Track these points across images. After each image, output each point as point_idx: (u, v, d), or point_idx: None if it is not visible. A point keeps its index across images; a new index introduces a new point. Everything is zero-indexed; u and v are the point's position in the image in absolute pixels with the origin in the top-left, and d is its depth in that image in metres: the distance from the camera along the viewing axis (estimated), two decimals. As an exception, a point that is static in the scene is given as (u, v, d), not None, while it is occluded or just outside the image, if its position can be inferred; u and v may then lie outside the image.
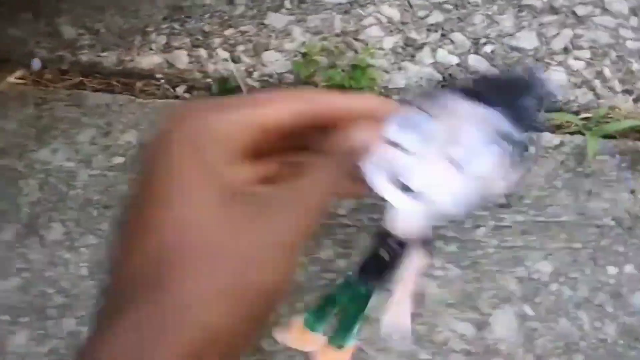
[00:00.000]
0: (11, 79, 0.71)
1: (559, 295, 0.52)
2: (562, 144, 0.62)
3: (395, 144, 0.40)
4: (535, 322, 0.51)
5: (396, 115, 0.40)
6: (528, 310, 0.52)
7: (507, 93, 0.42)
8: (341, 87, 0.62)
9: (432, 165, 0.41)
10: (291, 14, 0.74)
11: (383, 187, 0.41)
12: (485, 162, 0.41)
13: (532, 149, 0.43)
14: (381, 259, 0.46)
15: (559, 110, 0.66)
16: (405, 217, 0.43)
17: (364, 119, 0.38)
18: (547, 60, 0.70)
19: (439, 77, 0.68)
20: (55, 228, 0.58)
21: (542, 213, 0.57)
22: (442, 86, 0.42)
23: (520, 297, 0.52)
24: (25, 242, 0.57)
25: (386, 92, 0.67)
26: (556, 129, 0.65)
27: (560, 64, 0.69)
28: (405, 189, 0.41)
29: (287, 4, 0.75)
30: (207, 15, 0.74)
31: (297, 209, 0.32)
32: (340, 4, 0.75)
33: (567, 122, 0.64)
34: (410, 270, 0.46)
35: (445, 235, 0.55)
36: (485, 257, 0.54)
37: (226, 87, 0.68)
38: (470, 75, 0.42)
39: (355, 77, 0.62)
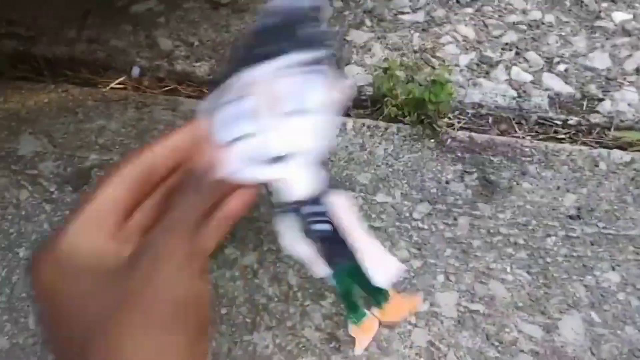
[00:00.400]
0: (113, 84, 0.78)
1: (626, 304, 0.55)
2: (632, 161, 0.64)
3: (234, 140, 0.42)
4: (602, 328, 0.54)
5: (216, 120, 0.42)
6: (595, 316, 0.54)
7: (281, 34, 0.42)
8: (421, 100, 0.66)
9: (276, 128, 0.42)
10: (372, 31, 0.78)
11: (257, 174, 0.42)
12: (311, 94, 0.43)
13: (338, 51, 0.43)
14: (324, 234, 0.46)
15: (631, 129, 0.68)
16: (295, 181, 0.43)
17: (194, 146, 0.41)
18: (619, 80, 0.72)
19: (514, 93, 0.71)
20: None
21: (611, 226, 0.59)
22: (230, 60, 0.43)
23: (588, 304, 0.55)
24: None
25: (462, 106, 0.71)
26: (627, 146, 0.67)
27: (632, 84, 0.71)
28: (273, 161, 0.42)
29: (368, 22, 0.79)
30: (294, 31, 0.79)
31: (166, 239, 0.35)
32: (418, 22, 0.79)
33: (638, 140, 0.66)
34: (344, 218, 0.46)
35: (516, 243, 0.58)
36: (555, 264, 0.57)
37: (311, 98, 0.73)
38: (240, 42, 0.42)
39: (435, 92, 0.65)
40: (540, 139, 0.68)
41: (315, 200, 0.45)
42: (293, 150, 0.43)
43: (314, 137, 0.44)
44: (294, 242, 0.46)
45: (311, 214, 0.46)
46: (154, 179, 0.40)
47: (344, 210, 0.47)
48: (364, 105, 0.73)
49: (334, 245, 0.47)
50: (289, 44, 0.42)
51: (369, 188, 0.63)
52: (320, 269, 0.47)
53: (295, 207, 0.45)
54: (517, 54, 0.76)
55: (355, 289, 0.50)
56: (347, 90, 0.44)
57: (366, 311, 0.50)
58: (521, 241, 0.59)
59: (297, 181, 0.44)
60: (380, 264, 0.49)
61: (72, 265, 0.35)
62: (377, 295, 0.51)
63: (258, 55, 0.42)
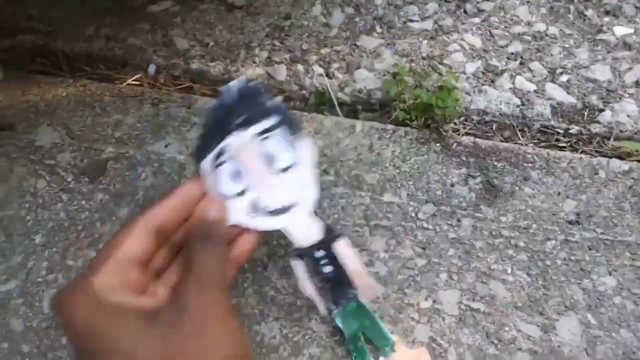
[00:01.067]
0: (130, 80, 0.80)
1: (622, 307, 0.57)
2: (630, 170, 0.66)
3: (235, 195, 0.50)
4: (597, 330, 0.56)
5: (216, 180, 0.49)
6: (591, 318, 0.56)
7: (235, 108, 0.51)
8: (428, 106, 0.68)
9: (267, 185, 0.51)
10: (381, 38, 0.81)
11: (262, 224, 0.50)
12: (292, 152, 0.51)
13: (287, 111, 0.51)
14: (329, 275, 0.52)
15: (629, 139, 0.70)
16: (298, 230, 0.51)
17: (198, 200, 0.47)
18: (619, 92, 0.74)
19: (517, 101, 0.74)
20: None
21: (608, 232, 0.61)
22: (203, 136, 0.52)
23: (585, 306, 0.57)
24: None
25: (467, 113, 0.73)
26: (626, 156, 0.69)
27: (631, 96, 0.74)
28: (272, 212, 0.51)
29: (378, 29, 0.82)
30: (305, 35, 0.82)
31: (203, 296, 0.38)
32: (426, 30, 0.81)
33: (637, 150, 0.69)
34: (347, 258, 0.52)
35: (517, 245, 0.61)
36: (554, 267, 0.59)
37: (321, 100, 0.75)
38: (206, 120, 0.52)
39: (442, 97, 0.68)
40: (542, 147, 0.71)
41: (319, 246, 0.52)
42: (292, 202, 0.51)
43: (308, 188, 0.52)
44: (303, 282, 0.52)
45: (317, 257, 0.52)
46: (167, 232, 0.45)
47: (346, 254, 0.52)
48: (373, 108, 0.75)
49: (338, 286, 0.52)
50: (254, 114, 0.51)
51: (376, 188, 0.65)
52: (323, 307, 0.52)
53: (302, 252, 0.52)
54: (521, 63, 0.78)
55: (360, 333, 0.53)
56: (313, 147, 0.52)
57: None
58: (522, 244, 0.61)
59: (300, 229, 0.51)
60: (369, 293, 0.54)
61: (111, 306, 0.37)
62: (382, 344, 0.54)
63: (231, 125, 0.50)
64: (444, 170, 0.67)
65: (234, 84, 0.51)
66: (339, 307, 0.52)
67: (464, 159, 0.68)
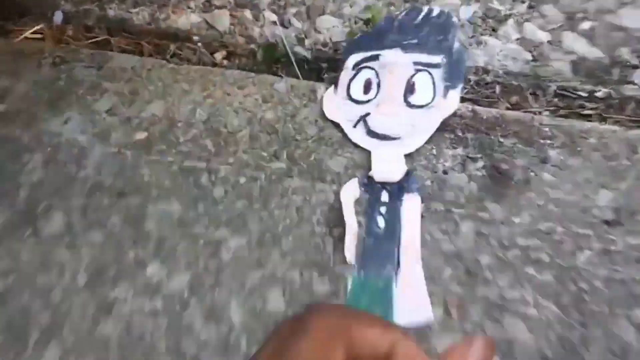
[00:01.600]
0: (28, 33, 0.64)
1: (691, 350, 0.40)
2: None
3: (353, 99, 0.52)
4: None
5: (351, 78, 0.54)
6: (649, 368, 0.40)
7: (412, 29, 0.54)
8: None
9: (389, 109, 0.50)
10: (351, -26, 0.63)
11: (353, 134, 0.50)
12: (427, 95, 0.51)
13: (462, 61, 0.51)
14: (378, 231, 0.44)
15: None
16: (385, 161, 0.48)
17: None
18: (655, 42, 0.59)
19: (527, 56, 0.57)
20: (55, 218, 0.50)
21: (663, 237, 0.45)
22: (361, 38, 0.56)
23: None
24: (17, 235, 0.48)
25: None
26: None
27: (672, 48, 0.58)
28: (372, 133, 0.50)
29: (347, -38, 0.64)
30: (255, -29, 0.65)
31: None
32: (409, -38, 0.64)
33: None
34: (410, 219, 0.44)
35: (538, 260, 0.43)
36: (591, 292, 0.42)
37: (274, 56, 0.61)
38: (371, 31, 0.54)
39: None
40: (561, 115, 0.54)
41: (390, 188, 0.47)
42: (396, 135, 0.49)
43: (421, 134, 0.49)
44: (348, 212, 0.46)
45: (380, 201, 0.46)
46: None
47: (411, 215, 0.45)
48: (341, 67, 0.58)
49: (378, 247, 0.44)
50: (426, 45, 0.53)
51: (342, 178, 0.49)
52: (350, 257, 0.44)
53: (370, 184, 0.47)
54: (530, 7, 0.62)
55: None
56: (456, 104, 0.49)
57: None
58: (545, 257, 0.44)
59: (384, 163, 0.48)
60: (412, 302, 0.43)
61: None
62: None
63: (399, 42, 0.53)
64: (434, 152, 0.50)
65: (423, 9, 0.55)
66: (362, 272, 0.44)
67: (460, 134, 0.52)
